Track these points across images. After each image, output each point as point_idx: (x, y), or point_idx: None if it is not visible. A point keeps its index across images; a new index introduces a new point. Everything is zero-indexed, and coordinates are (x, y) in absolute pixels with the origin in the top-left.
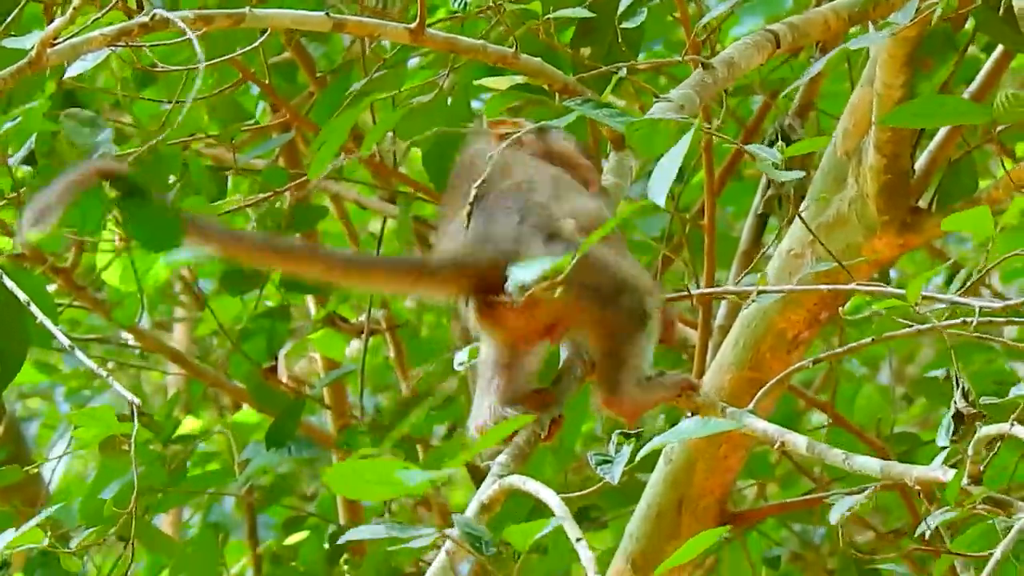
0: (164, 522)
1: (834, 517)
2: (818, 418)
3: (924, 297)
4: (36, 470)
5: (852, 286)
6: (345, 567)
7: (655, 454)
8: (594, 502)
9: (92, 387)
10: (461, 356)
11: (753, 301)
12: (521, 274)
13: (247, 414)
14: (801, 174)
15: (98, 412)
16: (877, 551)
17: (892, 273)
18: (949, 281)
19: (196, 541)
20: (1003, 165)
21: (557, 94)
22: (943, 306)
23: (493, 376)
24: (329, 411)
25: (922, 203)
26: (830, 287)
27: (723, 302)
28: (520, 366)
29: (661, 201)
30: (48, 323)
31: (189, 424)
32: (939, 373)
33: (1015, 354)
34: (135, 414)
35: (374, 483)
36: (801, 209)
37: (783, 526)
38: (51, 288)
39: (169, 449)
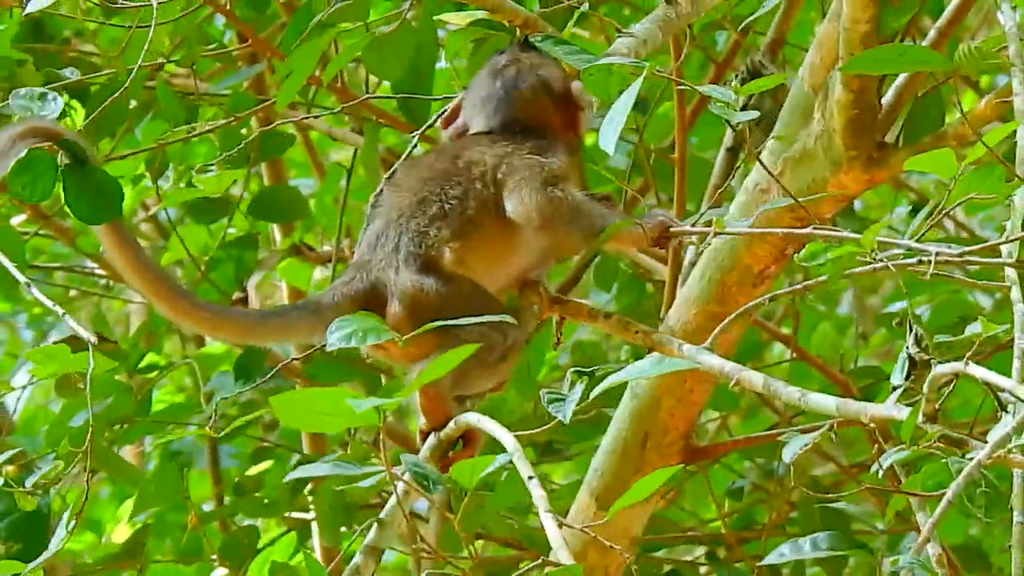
0: (127, 453)
1: (787, 455)
2: (781, 350)
3: (881, 242)
4: None
5: (809, 230)
6: (309, 497)
7: (621, 389)
8: (558, 435)
9: (54, 315)
10: None
11: (708, 244)
12: (331, 338)
13: (213, 346)
14: (756, 114)
15: (53, 350)
16: (840, 484)
17: (856, 204)
18: (913, 212)
19: (159, 472)
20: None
21: (518, 29)
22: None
23: None
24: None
25: (888, 138)
26: (785, 230)
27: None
28: None
29: (611, 149)
30: (4, 261)
31: (154, 358)
32: (899, 307)
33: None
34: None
35: (323, 413)
36: (766, 144)
37: (746, 458)
38: (18, 218)
39: (135, 379)
